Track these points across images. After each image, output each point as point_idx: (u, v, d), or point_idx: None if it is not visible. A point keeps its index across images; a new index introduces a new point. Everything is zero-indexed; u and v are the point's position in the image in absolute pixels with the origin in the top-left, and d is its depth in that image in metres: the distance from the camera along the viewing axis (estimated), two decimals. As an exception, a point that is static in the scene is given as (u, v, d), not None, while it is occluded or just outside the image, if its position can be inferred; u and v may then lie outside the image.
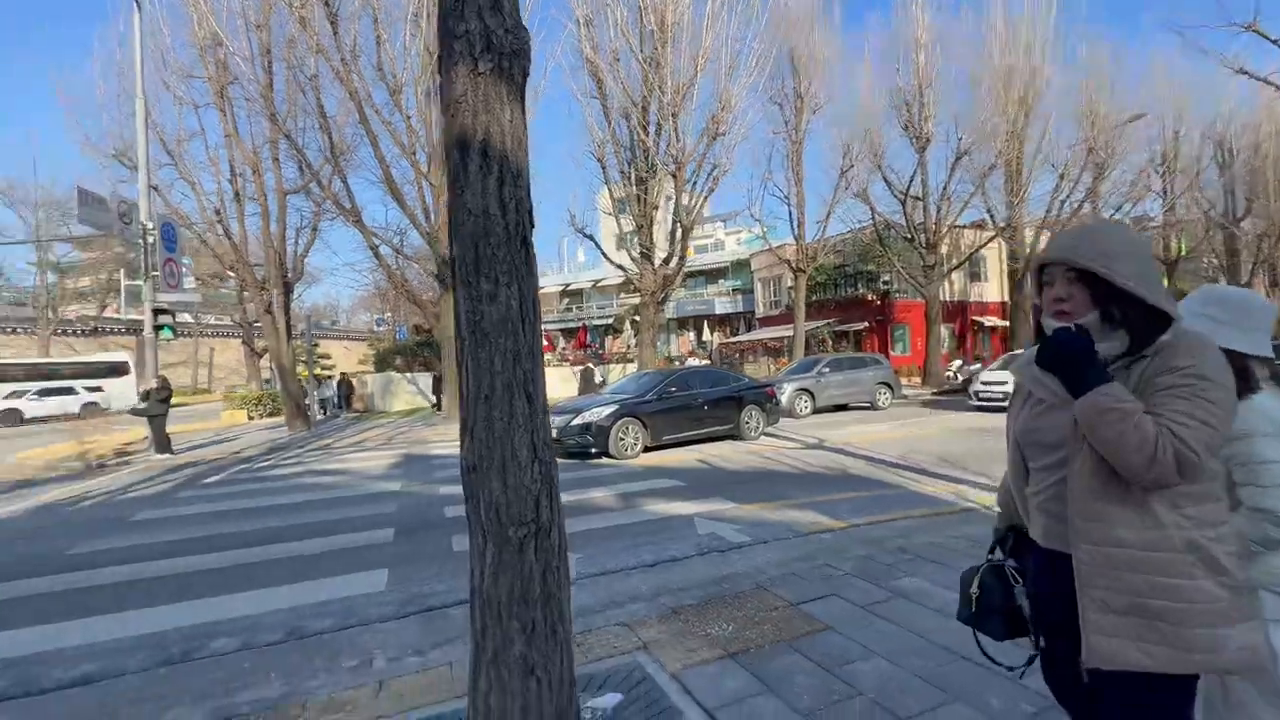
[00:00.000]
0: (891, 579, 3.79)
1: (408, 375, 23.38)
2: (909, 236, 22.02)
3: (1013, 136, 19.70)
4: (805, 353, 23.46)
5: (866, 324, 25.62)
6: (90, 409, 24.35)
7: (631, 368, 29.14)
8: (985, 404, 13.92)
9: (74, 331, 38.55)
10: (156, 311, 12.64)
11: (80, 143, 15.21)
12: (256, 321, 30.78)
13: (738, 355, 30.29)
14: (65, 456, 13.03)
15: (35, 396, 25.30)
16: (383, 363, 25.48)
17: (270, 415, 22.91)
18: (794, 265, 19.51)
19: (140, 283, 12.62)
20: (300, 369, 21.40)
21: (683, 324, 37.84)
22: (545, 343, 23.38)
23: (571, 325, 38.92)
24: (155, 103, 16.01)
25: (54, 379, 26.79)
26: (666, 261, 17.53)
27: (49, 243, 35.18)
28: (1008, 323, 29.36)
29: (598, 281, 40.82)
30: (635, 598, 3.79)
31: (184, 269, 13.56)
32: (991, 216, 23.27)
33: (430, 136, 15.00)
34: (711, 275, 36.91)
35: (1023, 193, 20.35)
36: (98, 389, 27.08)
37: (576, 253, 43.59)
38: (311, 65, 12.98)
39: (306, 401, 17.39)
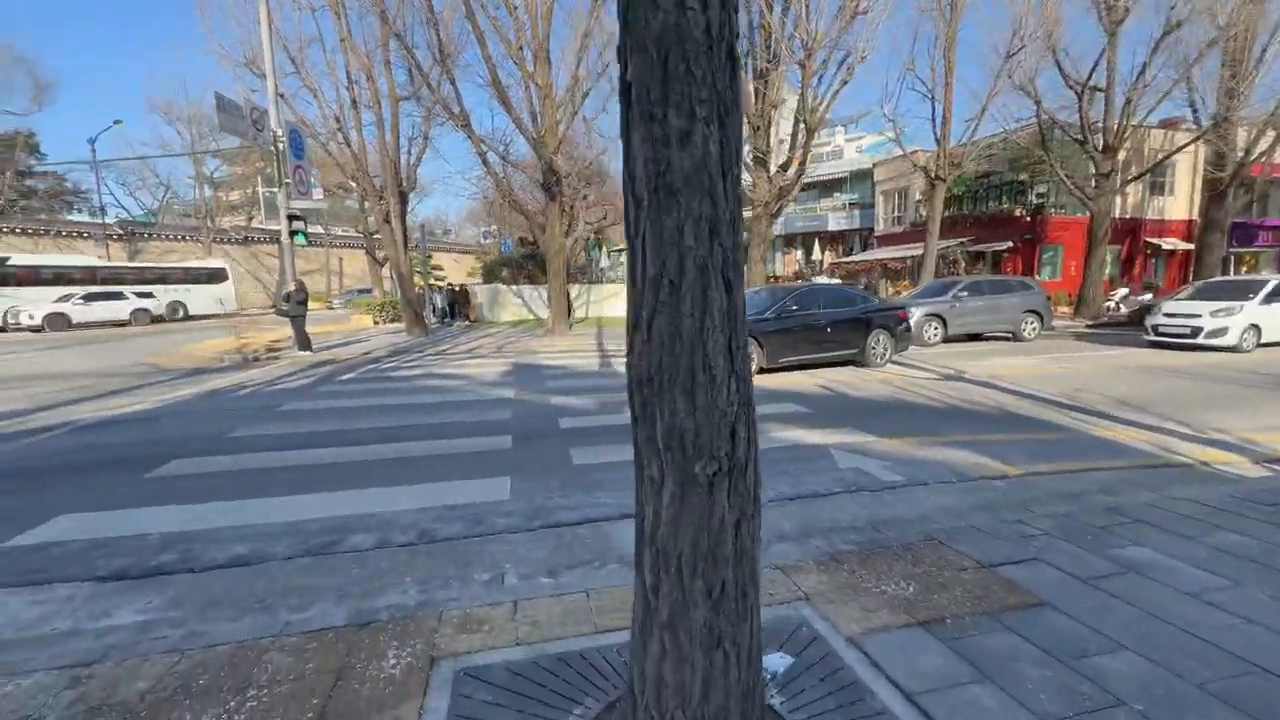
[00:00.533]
0: (1111, 547, 3.03)
1: (513, 288, 23.92)
2: (1080, 138, 18.39)
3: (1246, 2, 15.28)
4: (935, 275, 21.09)
5: (1010, 244, 22.37)
6: (139, 315, 25.57)
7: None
8: (1166, 340, 11.73)
9: (229, 240, 43.09)
10: (290, 218, 13.36)
11: (216, 53, 15.86)
12: (377, 232, 32.65)
13: (850, 277, 28.01)
14: (228, 349, 14.61)
15: (81, 301, 24.36)
16: (489, 274, 26.21)
17: (392, 320, 24.57)
18: (932, 172, 16.98)
19: (276, 190, 13.31)
20: (416, 279, 22.48)
21: (789, 241, 35.46)
22: None
23: (672, 241, 37.86)
24: (277, 9, 16.25)
25: (162, 282, 28.32)
26: (784, 168, 15.91)
27: (202, 156, 38.71)
28: (1192, 246, 24.62)
29: (701, 195, 38.93)
30: (781, 536, 3.34)
31: (312, 177, 14.11)
32: (1195, 113, 18.79)
33: (537, 30, 14.07)
34: (826, 188, 33.73)
35: (1252, 79, 16.00)
36: (183, 292, 28.95)
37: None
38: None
39: (425, 310, 18.24)
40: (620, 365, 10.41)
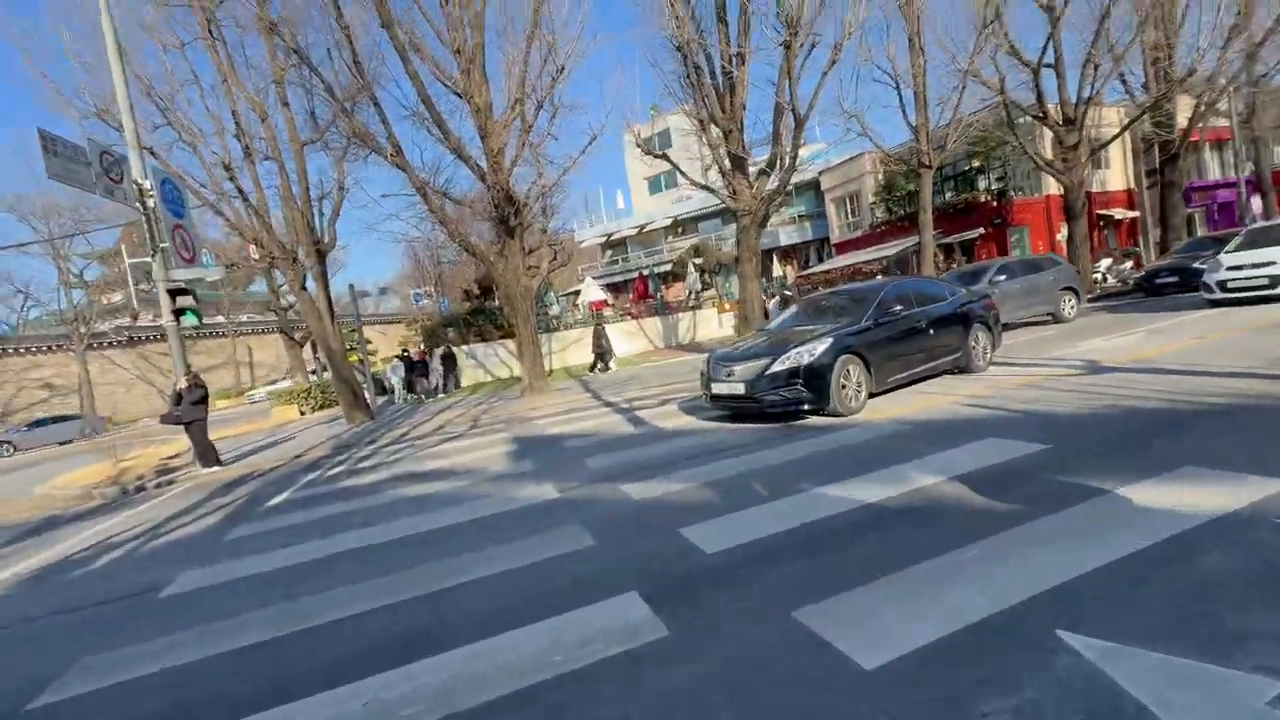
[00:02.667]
0: None
1: (464, 349, 20.88)
2: (1040, 114, 18.01)
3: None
4: (908, 273, 20.03)
5: (981, 230, 21.85)
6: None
7: (708, 315, 26.11)
8: (1239, 295, 10.48)
9: (109, 344, 37.23)
10: (174, 293, 10.08)
11: (54, 102, 12.45)
12: (291, 307, 28.57)
13: (817, 289, 26.88)
14: (101, 480, 10.85)
15: None
16: (431, 338, 23.01)
17: (322, 408, 20.81)
18: (918, 160, 15.86)
19: (150, 259, 10.03)
20: (351, 354, 19.08)
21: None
22: (602, 297, 20.07)
23: (619, 278, 35.87)
24: (134, 50, 13.18)
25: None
26: (770, 168, 14.19)
27: (66, 255, 33.40)
28: (1137, 213, 25.15)
29: (643, 227, 37.40)
30: None
31: (196, 242, 10.91)
32: (1125, 84, 19.10)
33: (465, 40, 11.74)
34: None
35: (1173, 51, 15.98)
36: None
37: (615, 199, 40.06)
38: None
39: (364, 388, 14.95)
40: (659, 417, 7.83)
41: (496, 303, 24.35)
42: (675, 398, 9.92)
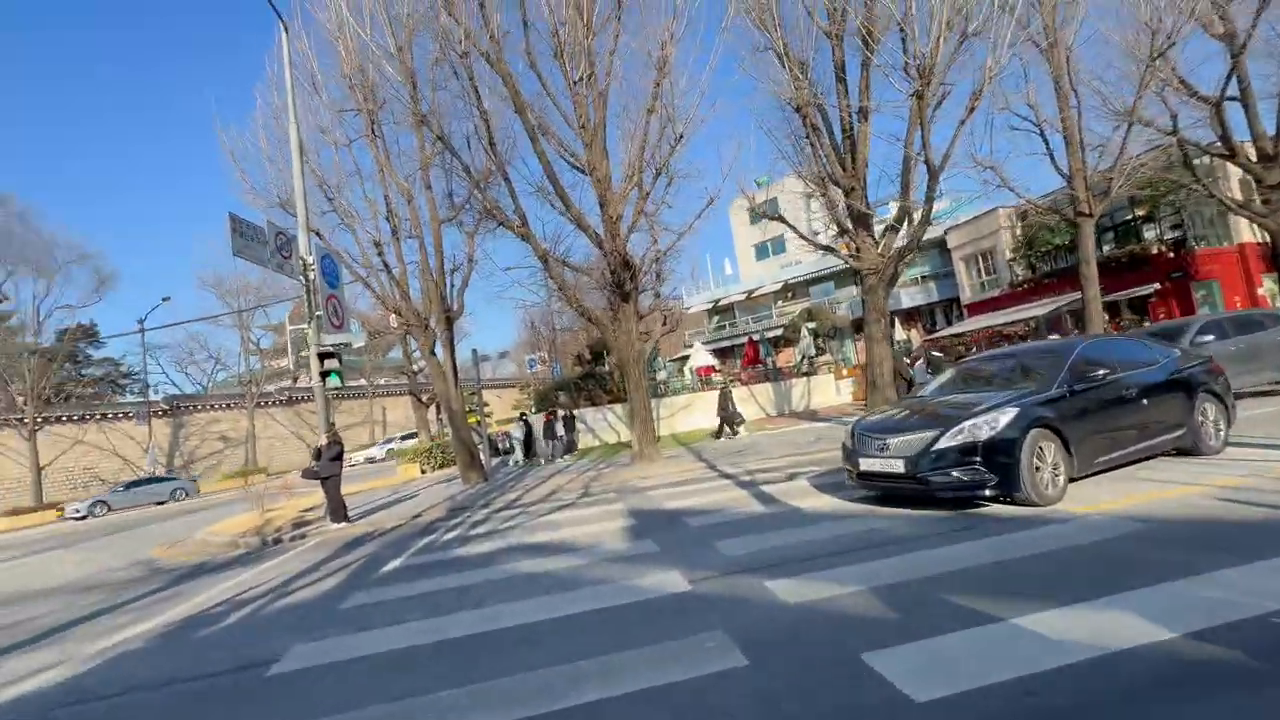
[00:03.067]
0: None
1: (574, 412, 21.03)
2: (1227, 153, 15.52)
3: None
4: (1063, 335, 17.53)
5: (1157, 285, 18.85)
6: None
7: (823, 380, 24.61)
8: None
9: (273, 402, 42.32)
10: (322, 356, 10.93)
11: (248, 197, 14.70)
12: (421, 370, 30.92)
13: (945, 352, 24.45)
14: (248, 529, 11.65)
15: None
16: (543, 401, 23.57)
17: (441, 466, 21.67)
18: (1074, 209, 14.06)
19: (306, 326, 11.04)
20: (470, 416, 19.87)
21: (858, 325, 32.43)
22: (711, 362, 19.32)
23: (725, 344, 35.28)
24: (313, 149, 15.34)
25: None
26: (898, 224, 13.22)
27: (249, 325, 38.98)
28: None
29: (751, 292, 36.94)
30: None
31: (346, 312, 11.92)
32: None
33: (588, 117, 12.33)
34: (889, 265, 31.36)
35: None
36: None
37: (723, 266, 40.25)
38: (459, 44, 10.86)
39: (480, 447, 15.27)
40: (792, 495, 6.89)
41: (606, 368, 24.62)
42: (802, 471, 8.89)
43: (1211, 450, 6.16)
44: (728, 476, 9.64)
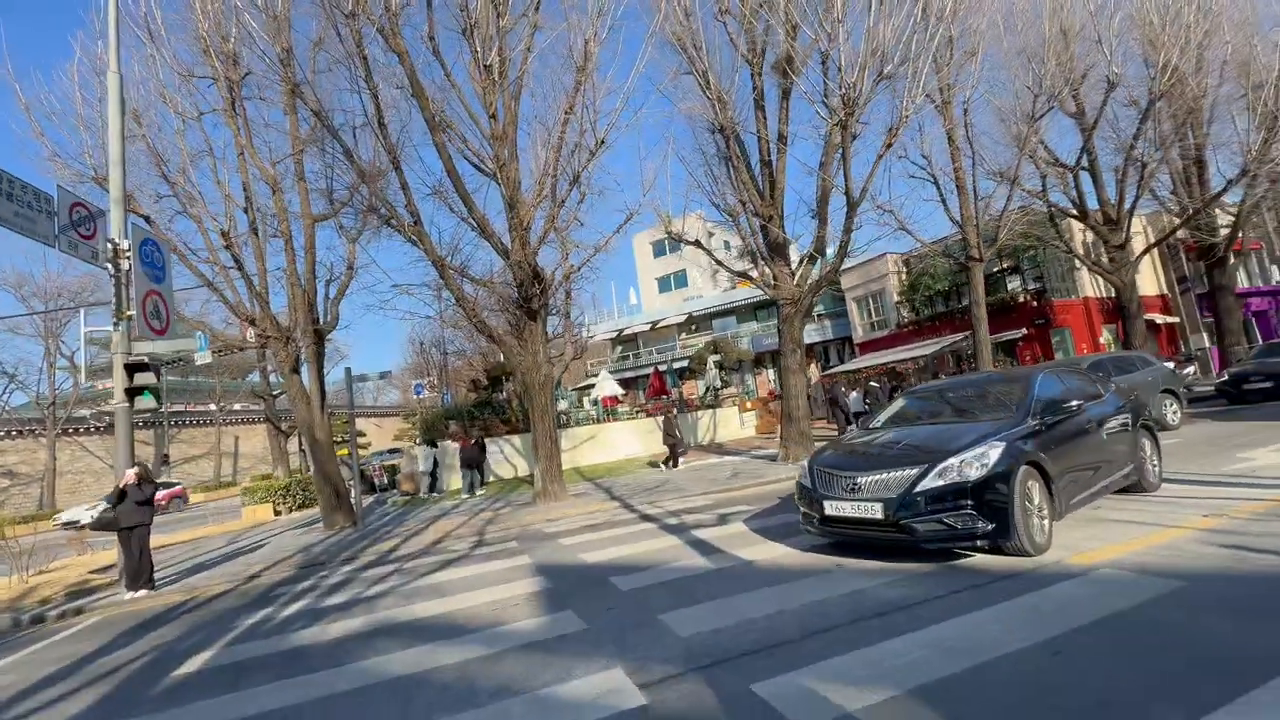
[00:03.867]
0: None
1: (484, 440, 18.86)
2: (1078, 214, 17.48)
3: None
4: (948, 374, 18.63)
5: (1024, 331, 20.70)
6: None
7: (728, 413, 24.37)
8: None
9: (86, 429, 35.05)
10: (131, 369, 8.42)
11: (52, 164, 11.53)
12: (280, 393, 26.81)
13: (850, 387, 25.32)
14: (9, 599, 8.62)
15: None
16: (429, 432, 21.10)
17: (303, 507, 18.47)
18: (966, 255, 14.93)
19: (112, 328, 8.48)
20: (341, 448, 17.15)
21: (758, 361, 33.15)
22: (618, 392, 18.27)
23: (629, 374, 34.53)
24: (152, 119, 12.59)
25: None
26: (814, 257, 13.11)
27: (56, 327, 32.20)
28: (1175, 318, 24.24)
29: (655, 323, 36.66)
30: None
31: (173, 310, 9.42)
32: (1158, 199, 19.02)
33: (496, 113, 11.03)
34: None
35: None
36: None
37: (628, 295, 39.75)
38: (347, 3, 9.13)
39: (351, 487, 12.87)
40: (733, 542, 5.82)
41: (504, 395, 22.69)
42: (733, 512, 7.93)
43: (1153, 487, 5.98)
44: (649, 518, 8.44)
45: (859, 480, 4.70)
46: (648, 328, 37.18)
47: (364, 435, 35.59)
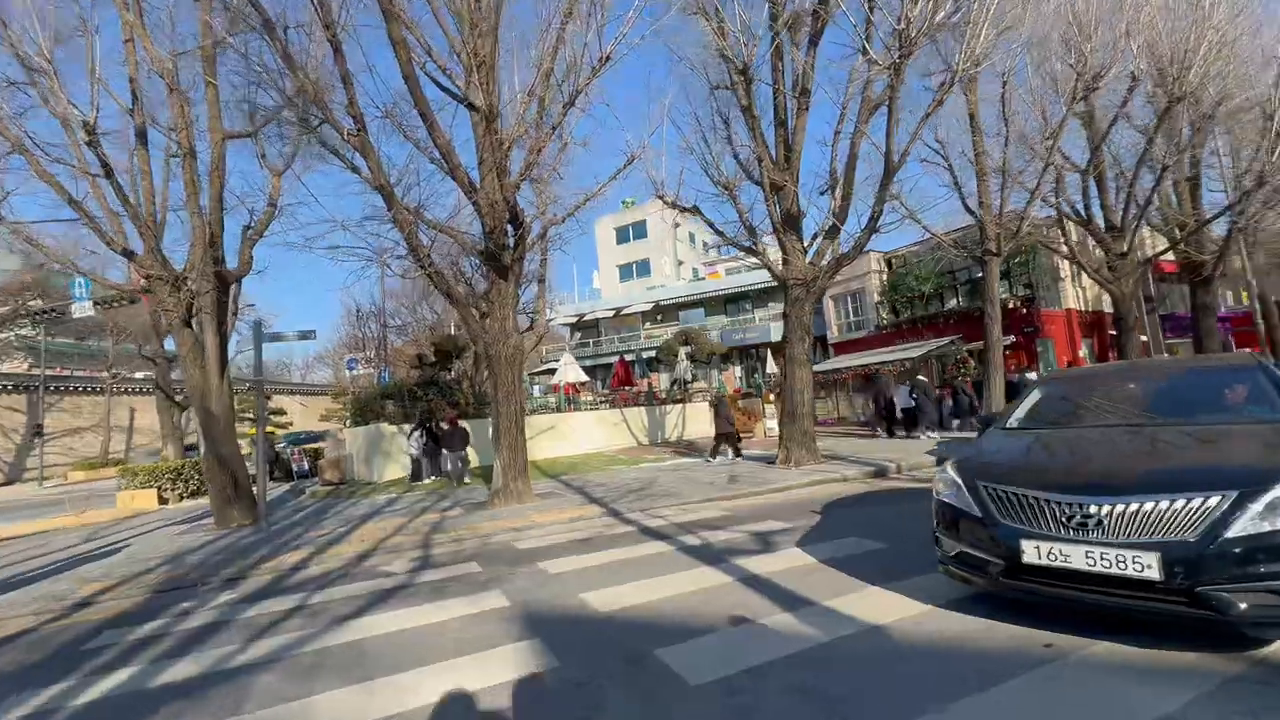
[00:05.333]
0: None
1: (403, 429, 16.19)
2: (1084, 221, 16.72)
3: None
4: (929, 378, 17.60)
5: (1014, 338, 19.94)
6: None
7: (698, 408, 22.57)
8: None
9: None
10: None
11: None
12: (172, 356, 22.97)
13: (825, 389, 24.09)
14: None
15: None
16: (362, 413, 18.21)
17: (195, 495, 15.37)
18: (983, 249, 13.70)
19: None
20: (251, 427, 14.18)
21: (725, 357, 31.62)
22: (583, 379, 16.13)
23: (589, 363, 32.25)
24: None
25: None
26: (833, 231, 11.39)
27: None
28: (1144, 337, 24.29)
29: (619, 310, 34.52)
30: None
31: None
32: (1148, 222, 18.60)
33: (475, 21, 8.65)
34: (759, 297, 31.07)
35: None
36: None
37: (590, 279, 37.43)
38: None
39: (254, 474, 10.18)
40: (809, 582, 3.88)
41: (453, 374, 20.03)
42: (760, 527, 6.05)
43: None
44: (654, 534, 6.41)
45: (1100, 509, 2.83)
46: (611, 314, 35.01)
47: (283, 414, 31.83)
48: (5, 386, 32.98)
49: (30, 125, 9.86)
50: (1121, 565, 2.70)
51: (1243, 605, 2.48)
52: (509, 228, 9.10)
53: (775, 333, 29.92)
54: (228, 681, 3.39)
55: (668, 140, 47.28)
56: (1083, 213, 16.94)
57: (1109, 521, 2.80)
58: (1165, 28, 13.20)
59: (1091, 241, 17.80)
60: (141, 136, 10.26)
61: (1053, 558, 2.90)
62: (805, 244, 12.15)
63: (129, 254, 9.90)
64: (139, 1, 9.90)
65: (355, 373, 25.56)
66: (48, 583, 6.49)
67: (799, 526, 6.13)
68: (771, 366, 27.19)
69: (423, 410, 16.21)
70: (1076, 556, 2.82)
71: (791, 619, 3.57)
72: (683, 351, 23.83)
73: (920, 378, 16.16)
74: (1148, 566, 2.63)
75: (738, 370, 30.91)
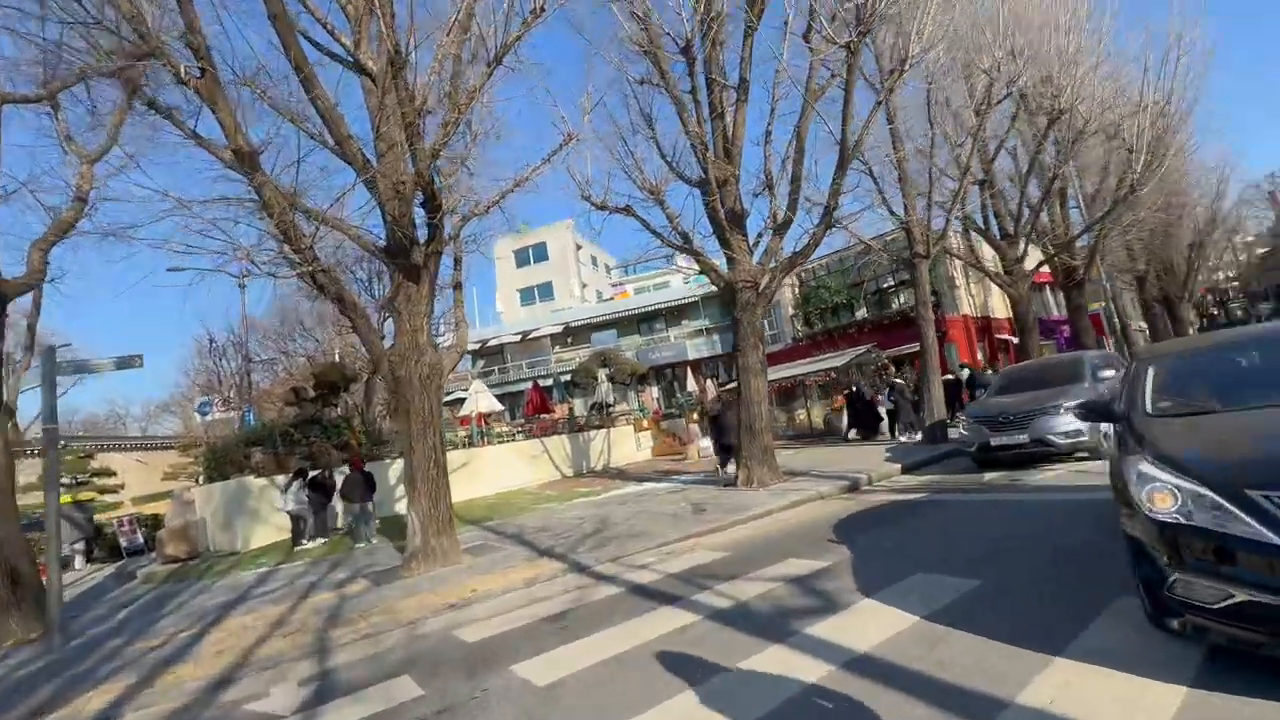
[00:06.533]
0: None
1: (276, 480, 13.05)
2: (981, 229, 17.72)
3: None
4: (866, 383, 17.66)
5: (919, 345, 20.58)
6: None
7: (623, 433, 21.03)
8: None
9: None
10: None
11: None
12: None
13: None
14: None
15: None
16: (217, 465, 14.70)
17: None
18: (912, 252, 13.72)
19: None
20: (66, 494, 10.75)
21: (642, 378, 30.47)
22: (497, 408, 14.22)
23: (496, 391, 29.63)
24: None
25: None
26: (781, 228, 10.58)
27: None
28: (1016, 339, 26.53)
29: (526, 334, 32.26)
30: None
31: None
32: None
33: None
34: (673, 314, 30.40)
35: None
36: None
37: (492, 303, 34.85)
38: None
39: (45, 555, 7.18)
40: (950, 667, 2.57)
41: (340, 409, 16.97)
42: (780, 568, 4.70)
43: None
44: (653, 594, 4.81)
45: None
46: (517, 339, 32.66)
47: (112, 475, 26.07)
48: None
49: None
50: None
51: None
52: (419, 211, 7.19)
53: (691, 351, 29.37)
54: None
55: (592, 140, 46.28)
56: (980, 223, 18.00)
57: None
58: (1049, 48, 14.19)
59: (988, 250, 18.94)
60: None
61: None
62: (751, 243, 11.29)
63: None
64: None
65: (209, 418, 21.21)
66: None
67: (835, 565, 4.84)
68: (691, 385, 26.41)
69: (302, 455, 13.28)
70: None
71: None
72: (603, 374, 22.36)
73: (898, 380, 16.02)
74: None
75: (655, 391, 29.89)
